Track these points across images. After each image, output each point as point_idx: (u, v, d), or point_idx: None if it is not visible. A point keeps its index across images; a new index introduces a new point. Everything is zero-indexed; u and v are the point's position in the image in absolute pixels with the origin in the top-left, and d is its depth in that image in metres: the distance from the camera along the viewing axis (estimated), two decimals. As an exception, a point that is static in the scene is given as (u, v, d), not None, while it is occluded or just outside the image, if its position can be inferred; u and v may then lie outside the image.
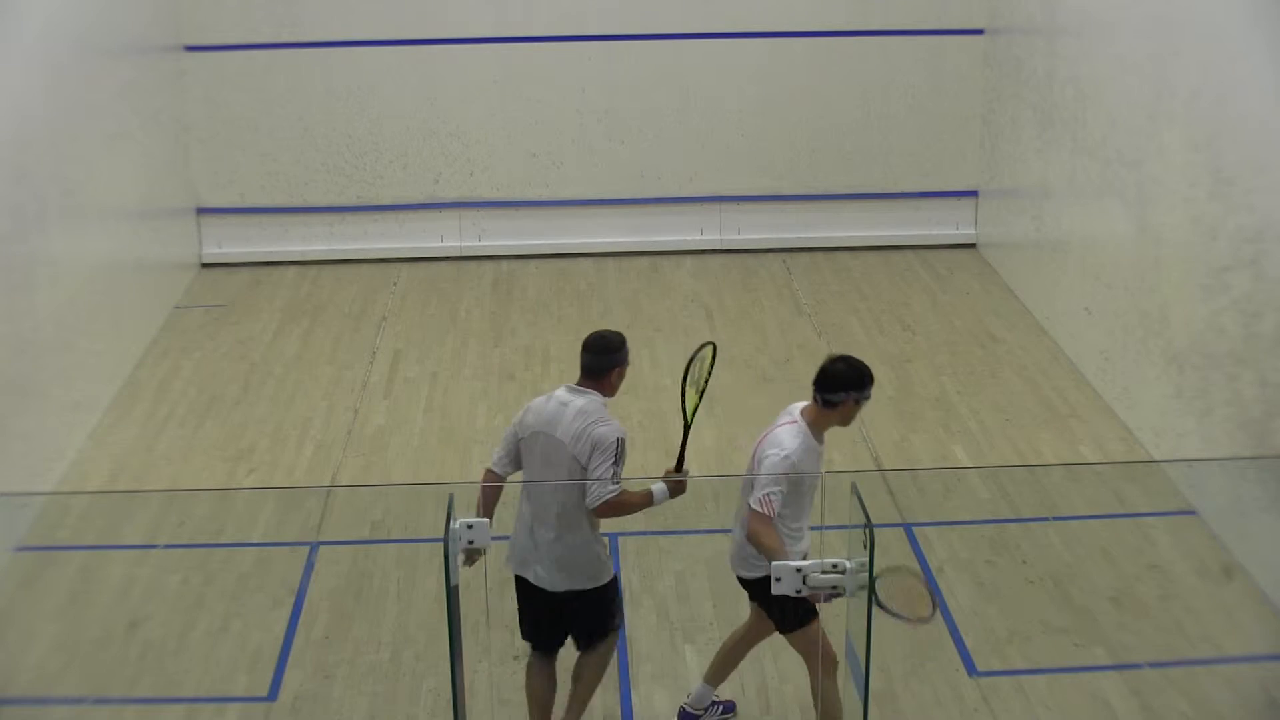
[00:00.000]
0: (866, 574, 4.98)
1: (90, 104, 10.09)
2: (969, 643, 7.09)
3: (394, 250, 12.83)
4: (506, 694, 6.75)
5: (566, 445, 5.83)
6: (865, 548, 4.95)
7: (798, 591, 5.14)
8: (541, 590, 6.00)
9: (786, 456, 5.73)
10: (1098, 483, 8.73)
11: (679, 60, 12.60)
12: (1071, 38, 10.59)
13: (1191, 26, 8.57)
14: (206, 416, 9.81)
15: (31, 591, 7.76)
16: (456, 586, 5.23)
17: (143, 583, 7.77)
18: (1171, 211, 8.76)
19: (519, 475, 6.05)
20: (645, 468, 8.19)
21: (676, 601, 7.42)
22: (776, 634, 6.15)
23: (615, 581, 6.15)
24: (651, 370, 10.41)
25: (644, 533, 7.85)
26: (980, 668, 6.92)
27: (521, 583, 6.09)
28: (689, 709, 6.49)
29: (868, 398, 5.86)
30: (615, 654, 6.40)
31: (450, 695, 5.38)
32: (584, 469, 5.80)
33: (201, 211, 12.67)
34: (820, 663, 5.96)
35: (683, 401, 6.06)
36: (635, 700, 6.67)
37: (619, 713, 6.64)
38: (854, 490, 5.36)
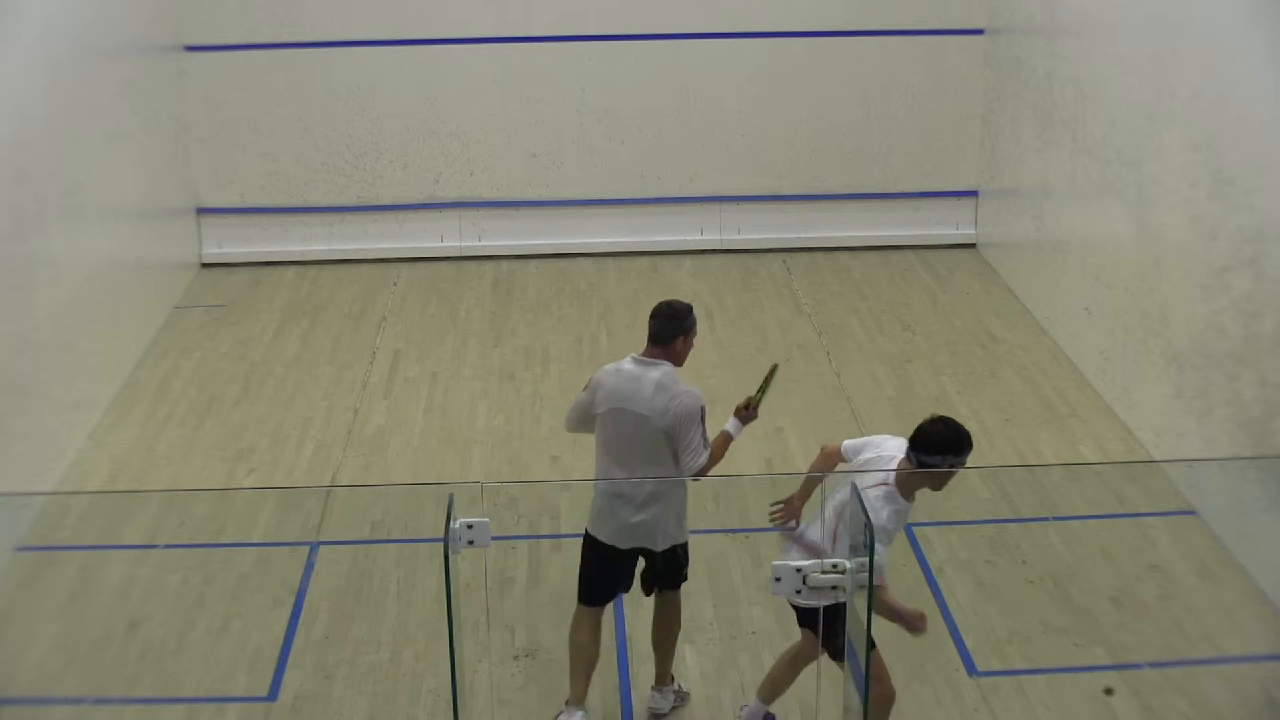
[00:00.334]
0: (866, 574, 4.98)
1: (90, 104, 10.09)
2: (969, 643, 7.09)
3: (394, 250, 12.83)
4: (506, 694, 6.75)
5: (651, 419, 6.04)
6: (865, 548, 4.95)
7: (797, 591, 5.13)
8: (623, 552, 6.24)
9: (882, 527, 5.58)
10: (1098, 483, 8.73)
11: (679, 60, 12.60)
12: (1071, 38, 10.59)
13: (1191, 26, 8.57)
14: (206, 416, 9.81)
15: (31, 591, 7.75)
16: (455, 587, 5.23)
17: (143, 583, 7.77)
18: (1171, 211, 8.76)
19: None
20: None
21: (676, 601, 7.41)
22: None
23: None
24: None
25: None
26: (980, 668, 6.92)
27: (596, 546, 6.28)
28: None
29: (963, 463, 5.63)
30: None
31: (450, 695, 5.37)
32: (672, 440, 6.04)
33: (201, 211, 12.67)
34: (879, 692, 5.90)
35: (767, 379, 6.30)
36: (635, 700, 6.67)
37: (619, 713, 6.64)
38: (854, 490, 5.35)
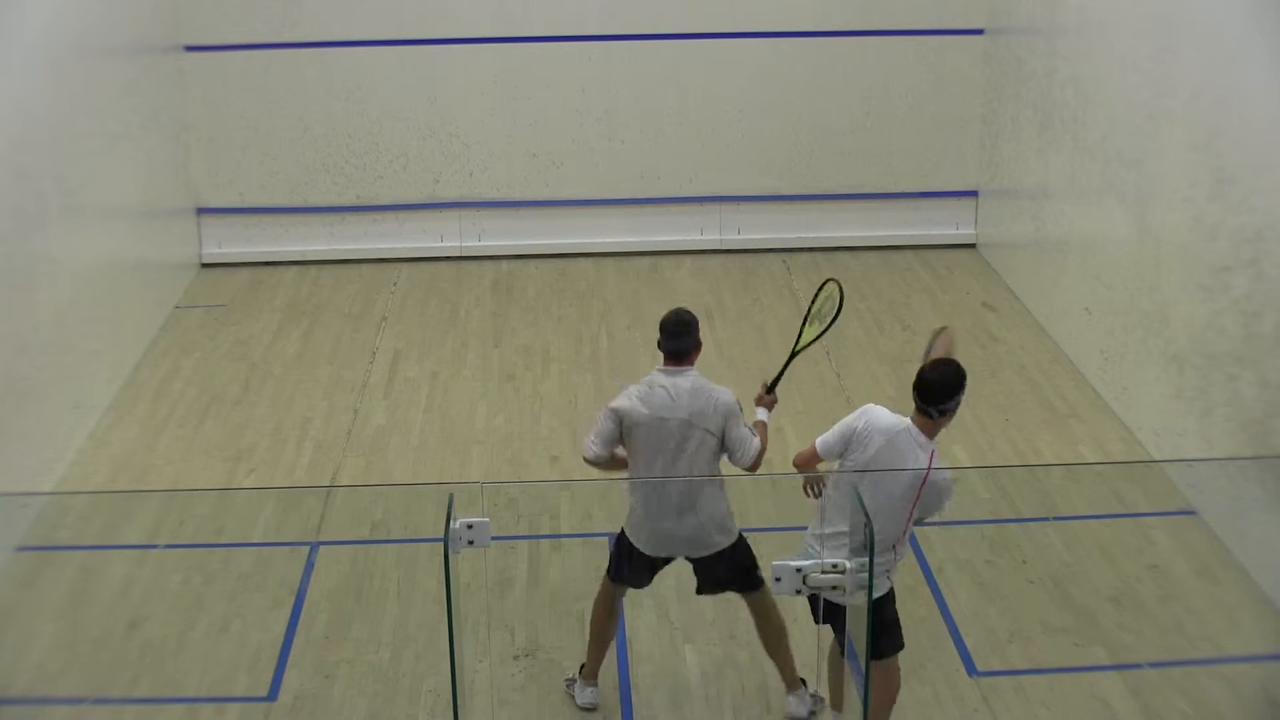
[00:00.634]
0: (866, 574, 4.98)
1: (90, 104, 10.09)
2: (969, 643, 7.10)
3: (394, 250, 12.83)
4: (506, 694, 6.75)
5: (694, 422, 6.13)
6: (865, 548, 4.95)
7: (797, 592, 5.13)
8: (654, 559, 6.35)
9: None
10: (1098, 483, 8.73)
11: (679, 60, 12.60)
12: (1071, 38, 10.59)
13: (1191, 26, 8.57)
14: (206, 416, 9.82)
15: (31, 591, 7.75)
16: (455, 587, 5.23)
17: (143, 583, 7.77)
18: (1171, 211, 8.76)
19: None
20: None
21: (677, 601, 7.41)
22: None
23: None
24: (651, 370, 10.40)
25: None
26: (980, 668, 6.93)
27: (628, 544, 6.36)
28: None
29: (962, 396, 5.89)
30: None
31: (450, 695, 5.38)
32: (721, 437, 6.16)
33: (201, 211, 12.67)
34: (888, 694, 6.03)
35: (800, 331, 6.43)
36: (635, 700, 6.67)
37: (619, 713, 6.64)
38: (854, 490, 5.36)
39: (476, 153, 12.72)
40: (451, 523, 5.19)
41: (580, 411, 9.72)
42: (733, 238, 12.99)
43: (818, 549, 5.92)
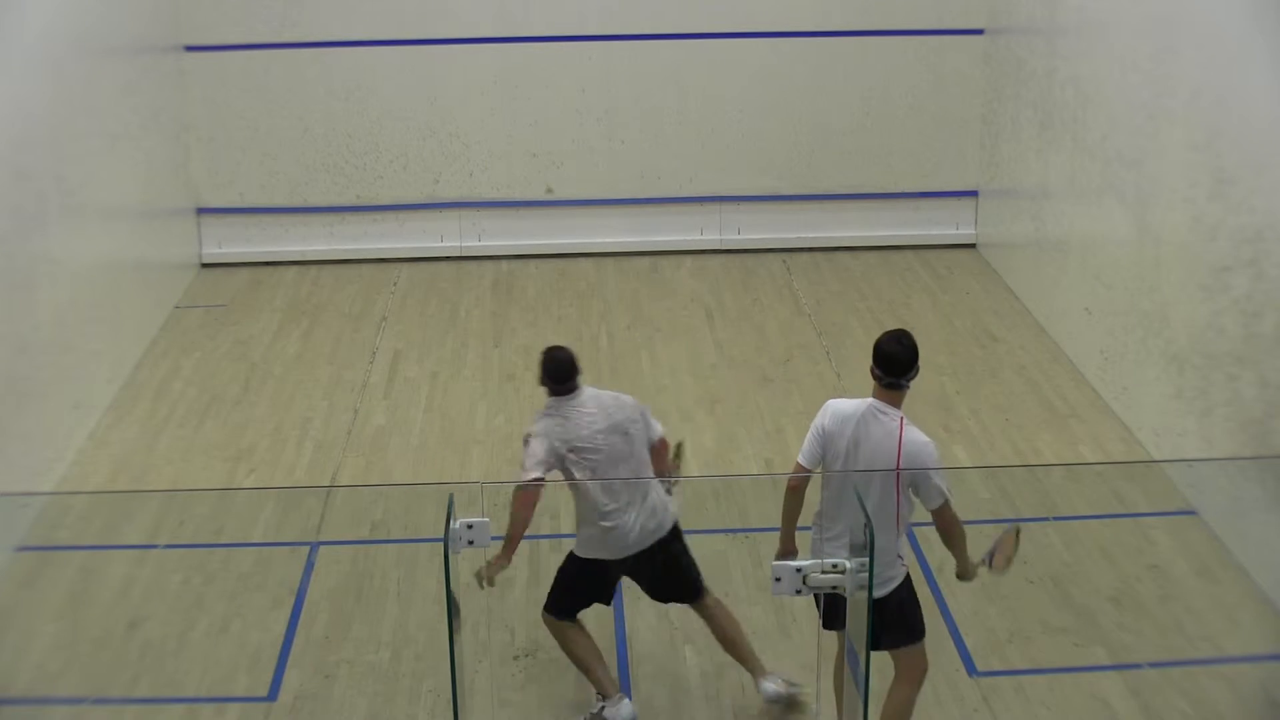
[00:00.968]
0: (866, 574, 4.98)
1: (90, 104, 10.09)
2: (969, 643, 7.09)
3: (394, 250, 12.83)
4: (506, 694, 6.75)
5: (623, 424, 6.44)
6: (865, 548, 4.95)
7: (797, 592, 5.13)
8: (625, 561, 6.42)
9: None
10: (1098, 483, 8.73)
11: (679, 60, 12.60)
12: (1071, 38, 10.59)
13: (1191, 26, 8.57)
14: (206, 416, 9.81)
15: (31, 591, 7.75)
16: (454, 588, 5.23)
17: (143, 583, 7.77)
18: (1171, 211, 8.76)
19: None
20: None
21: (676, 601, 7.40)
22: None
23: None
24: (651, 370, 10.42)
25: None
26: (980, 668, 6.92)
27: (599, 568, 6.42)
28: None
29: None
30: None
31: (450, 695, 5.38)
32: (642, 423, 6.49)
33: (201, 211, 12.67)
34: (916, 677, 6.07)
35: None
36: (635, 700, 6.67)
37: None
38: (854, 490, 5.36)
39: (476, 153, 12.72)
40: (451, 523, 5.19)
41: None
42: (733, 238, 12.99)
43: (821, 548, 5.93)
